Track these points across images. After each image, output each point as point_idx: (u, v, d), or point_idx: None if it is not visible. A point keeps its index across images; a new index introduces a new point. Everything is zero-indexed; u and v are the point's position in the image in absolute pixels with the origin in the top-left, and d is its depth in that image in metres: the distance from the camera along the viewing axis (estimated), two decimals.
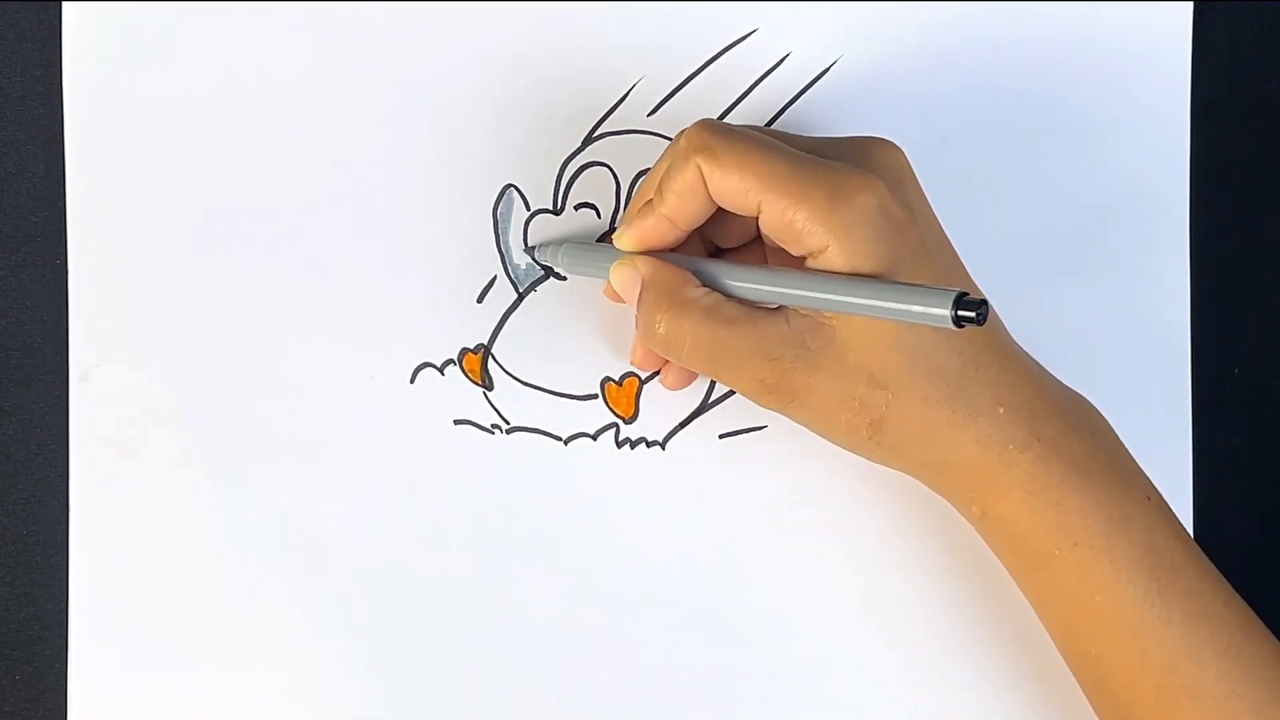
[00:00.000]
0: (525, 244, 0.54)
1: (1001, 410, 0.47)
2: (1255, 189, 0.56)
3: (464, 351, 0.54)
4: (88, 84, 0.54)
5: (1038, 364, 0.50)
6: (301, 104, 0.54)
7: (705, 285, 0.49)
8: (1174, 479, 0.55)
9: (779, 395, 0.48)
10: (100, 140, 0.54)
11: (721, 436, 0.55)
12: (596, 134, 0.54)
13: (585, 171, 0.54)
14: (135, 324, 0.54)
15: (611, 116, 0.54)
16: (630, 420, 0.54)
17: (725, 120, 0.54)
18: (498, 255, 0.54)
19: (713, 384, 0.55)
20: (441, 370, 0.54)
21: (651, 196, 0.49)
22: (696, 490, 0.54)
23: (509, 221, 0.54)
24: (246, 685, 0.54)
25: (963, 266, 0.49)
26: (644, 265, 0.49)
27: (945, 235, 0.49)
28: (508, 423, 0.54)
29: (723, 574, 0.54)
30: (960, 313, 0.42)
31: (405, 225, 0.54)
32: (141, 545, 0.54)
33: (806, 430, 0.50)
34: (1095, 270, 0.55)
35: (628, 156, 0.54)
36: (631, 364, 0.53)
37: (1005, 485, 0.48)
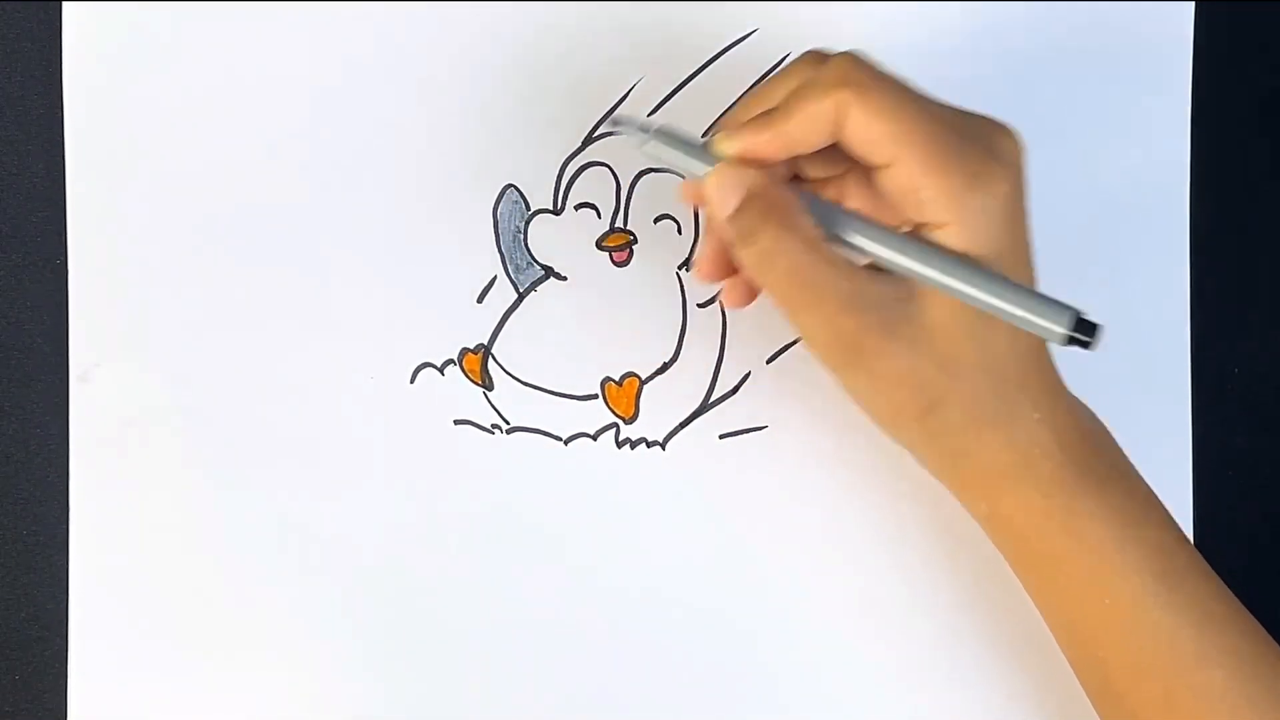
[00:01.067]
0: (524, 243, 0.54)
1: (1036, 417, 0.47)
2: (1255, 189, 0.56)
3: (464, 351, 0.54)
4: (88, 84, 0.54)
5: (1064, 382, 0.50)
6: (301, 104, 0.54)
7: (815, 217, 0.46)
8: (1174, 479, 0.55)
9: (847, 352, 0.46)
10: (100, 140, 0.54)
11: (721, 437, 0.55)
12: (596, 134, 0.54)
13: (585, 171, 0.54)
14: (135, 324, 0.54)
15: (611, 116, 0.54)
16: (630, 420, 0.54)
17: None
18: (498, 255, 0.54)
19: (712, 384, 0.55)
20: (441, 370, 0.54)
21: (767, 108, 0.46)
22: (696, 490, 0.54)
23: (509, 221, 0.54)
24: (246, 685, 0.54)
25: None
26: (756, 176, 0.46)
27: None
28: (508, 423, 0.54)
29: (722, 574, 0.54)
30: (1074, 333, 0.43)
31: (405, 225, 0.54)
32: (141, 545, 0.54)
33: (810, 438, 0.49)
34: (1095, 270, 0.55)
35: (628, 156, 0.54)
36: (692, 271, 0.50)
37: (1021, 486, 0.48)
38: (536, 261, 0.54)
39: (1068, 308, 0.43)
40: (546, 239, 0.54)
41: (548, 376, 0.54)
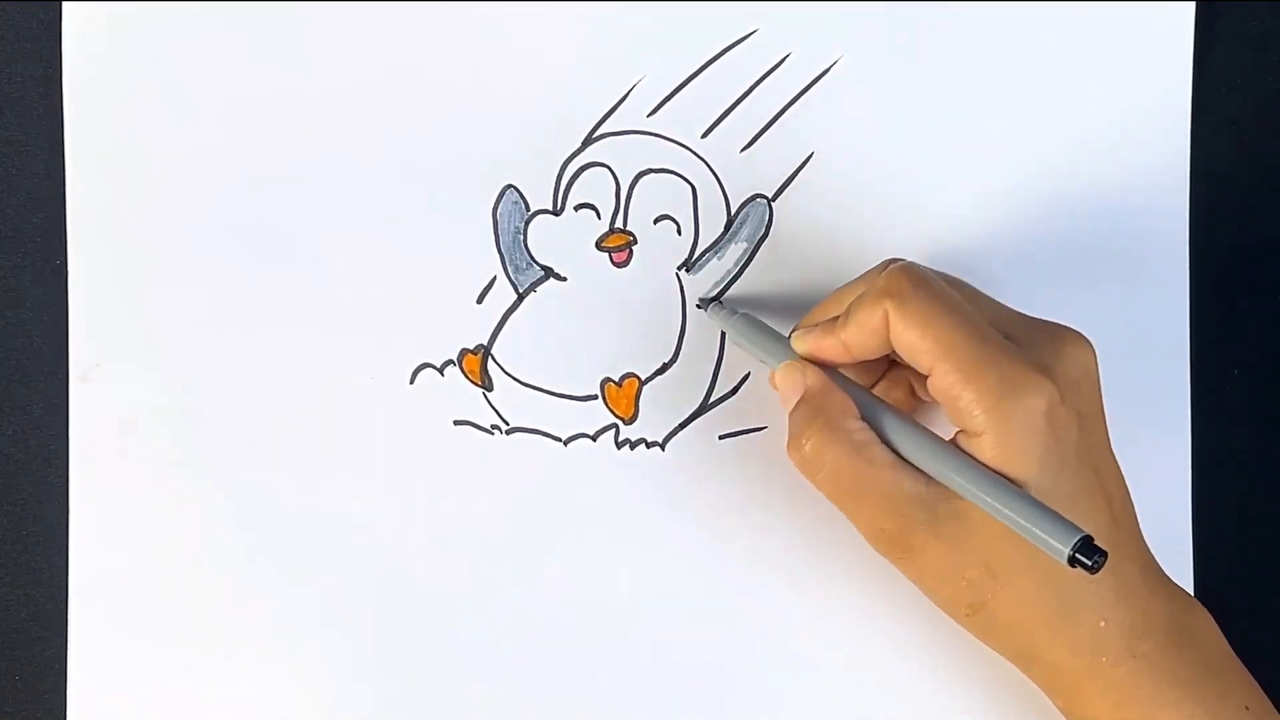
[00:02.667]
0: (524, 244, 0.54)
1: (1103, 624, 0.47)
2: (1255, 189, 0.56)
3: (464, 352, 0.54)
4: (88, 84, 0.54)
5: (1155, 570, 0.49)
6: (301, 104, 0.54)
7: (864, 418, 0.48)
8: (1174, 479, 0.55)
9: (894, 546, 0.48)
10: (100, 140, 0.54)
11: (721, 437, 0.55)
12: (596, 134, 0.54)
13: (585, 172, 0.54)
14: (135, 324, 0.54)
15: (611, 116, 0.54)
16: (630, 421, 0.54)
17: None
18: (498, 255, 0.54)
19: (712, 385, 0.55)
20: (441, 371, 0.54)
21: (837, 311, 0.49)
22: (696, 490, 0.54)
23: (509, 222, 0.54)
24: (246, 685, 0.54)
25: (1114, 477, 0.48)
26: (813, 378, 0.49)
27: (1107, 441, 0.48)
28: (507, 423, 0.54)
29: (722, 574, 0.54)
30: (1077, 555, 0.43)
31: (405, 225, 0.54)
32: (141, 545, 0.54)
33: None
34: (1095, 270, 0.55)
35: (628, 157, 0.54)
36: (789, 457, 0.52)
37: (1093, 692, 0.47)
38: (536, 262, 0.54)
39: (1074, 531, 0.44)
40: (546, 239, 0.54)
41: (547, 377, 0.54)
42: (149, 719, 0.54)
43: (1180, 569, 0.55)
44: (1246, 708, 0.47)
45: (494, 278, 0.54)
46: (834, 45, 0.55)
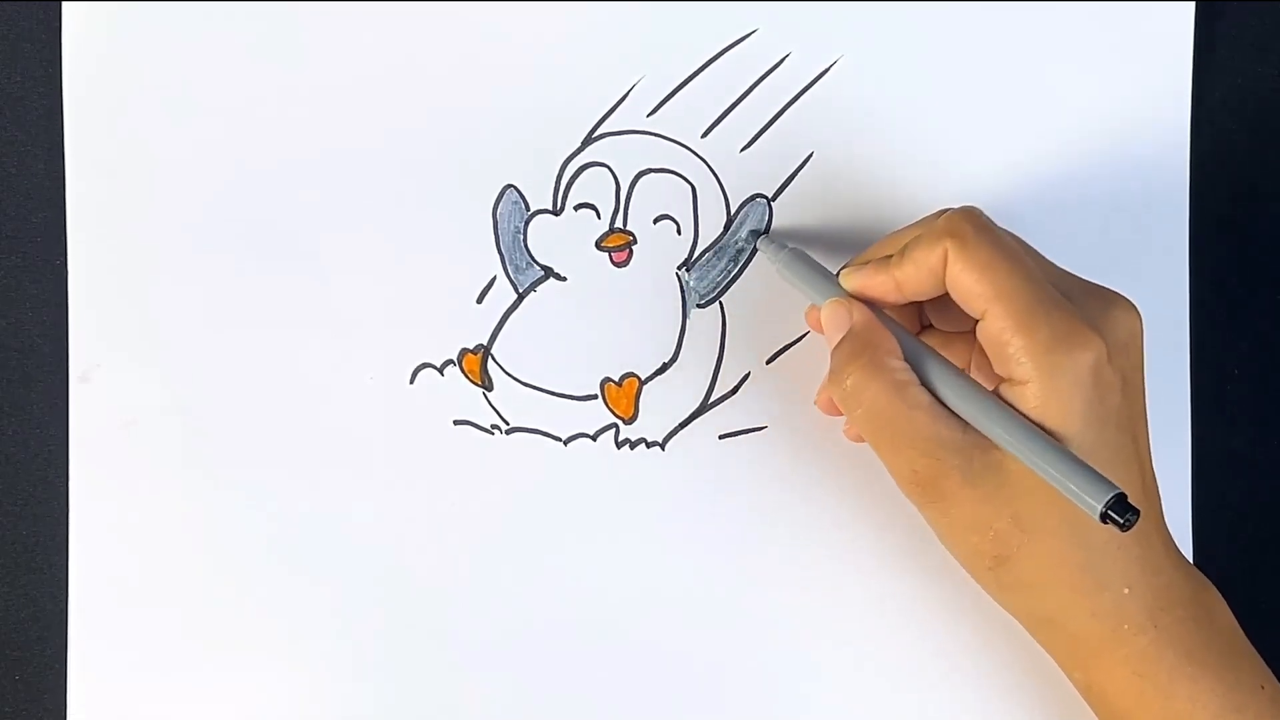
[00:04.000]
0: (524, 244, 0.54)
1: (1127, 590, 0.47)
2: (1255, 189, 0.56)
3: (463, 352, 0.54)
4: (88, 84, 0.54)
5: (1174, 546, 0.49)
6: (301, 104, 0.54)
7: (907, 360, 0.48)
8: (1174, 479, 0.55)
9: (925, 490, 0.48)
10: (100, 140, 0.54)
11: (721, 437, 0.55)
12: (596, 134, 0.54)
13: (585, 172, 0.54)
14: (135, 324, 0.54)
15: (611, 116, 0.54)
16: (630, 421, 0.54)
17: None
18: (498, 255, 0.54)
19: (712, 384, 0.55)
20: (441, 371, 0.54)
21: (891, 252, 0.49)
22: (696, 490, 0.54)
23: (509, 222, 0.54)
24: (246, 685, 0.54)
25: (1147, 450, 0.48)
26: (858, 313, 0.49)
27: (1144, 413, 0.48)
28: (507, 423, 0.54)
29: (722, 574, 0.54)
30: (1110, 512, 0.43)
31: (405, 225, 0.54)
32: (141, 545, 0.54)
33: (810, 437, 0.49)
34: (1095, 270, 0.55)
35: (628, 156, 0.54)
36: (815, 404, 0.53)
37: (1113, 661, 0.47)
38: (536, 262, 0.54)
39: (1109, 487, 0.43)
40: (546, 239, 0.54)
41: (547, 377, 0.54)
42: (149, 719, 0.54)
43: None
44: (1262, 688, 0.47)
45: (494, 277, 0.54)
46: (834, 45, 0.55)
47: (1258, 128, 0.56)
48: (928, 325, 0.52)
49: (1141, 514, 0.45)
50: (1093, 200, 0.55)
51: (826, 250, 0.54)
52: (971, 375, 0.50)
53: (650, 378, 0.54)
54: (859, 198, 0.55)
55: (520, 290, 0.54)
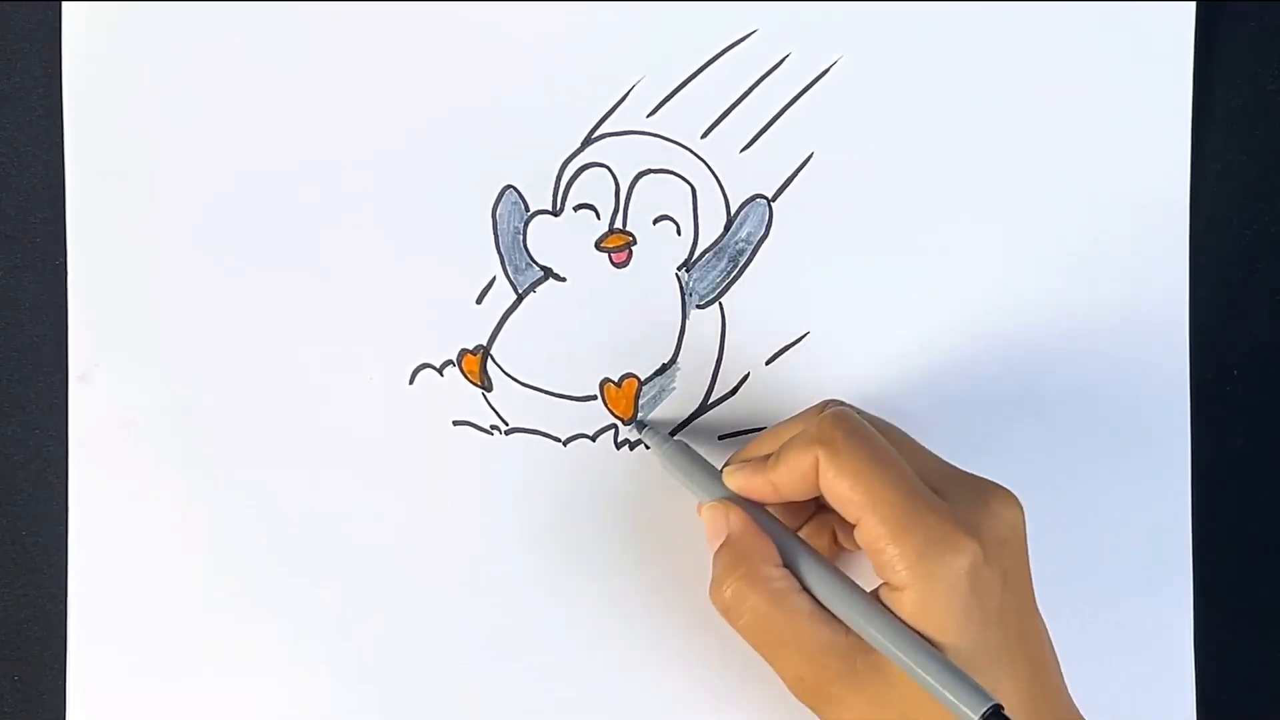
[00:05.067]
0: (524, 244, 0.54)
1: None
2: (1255, 189, 0.56)
3: (463, 352, 0.54)
4: (88, 84, 0.54)
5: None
6: (301, 104, 0.54)
7: (785, 564, 0.48)
8: (1174, 479, 0.55)
9: (813, 695, 0.48)
10: (100, 140, 0.54)
11: (721, 437, 0.55)
12: (596, 134, 0.54)
13: (585, 172, 0.54)
14: (135, 324, 0.54)
15: (611, 116, 0.54)
16: (629, 421, 0.54)
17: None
18: (497, 256, 0.54)
19: (712, 384, 0.55)
20: (440, 371, 0.54)
21: (771, 450, 0.49)
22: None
23: (508, 222, 0.54)
24: (246, 685, 0.54)
25: (1038, 639, 0.48)
26: (735, 520, 0.49)
27: (1032, 602, 0.48)
28: (507, 424, 0.54)
29: None
30: None
31: (405, 225, 0.54)
32: (141, 545, 0.54)
33: None
34: (1095, 270, 0.55)
35: (627, 157, 0.54)
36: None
37: None
38: (536, 262, 0.54)
39: (984, 698, 0.43)
40: (546, 240, 0.54)
41: (546, 377, 0.54)
42: (148, 719, 0.54)
43: (1180, 569, 0.55)
44: None
45: (493, 278, 0.54)
46: (834, 45, 0.55)
47: (1258, 128, 0.56)
48: (825, 505, 0.51)
49: (1029, 713, 0.44)
50: (1093, 200, 0.55)
51: (826, 251, 0.54)
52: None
53: (650, 378, 0.54)
54: (859, 198, 0.55)
55: (520, 291, 0.54)
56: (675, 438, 0.53)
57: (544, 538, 0.54)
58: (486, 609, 0.54)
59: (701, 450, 0.54)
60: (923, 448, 0.50)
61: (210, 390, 0.54)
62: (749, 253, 0.54)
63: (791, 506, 0.51)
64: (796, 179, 0.54)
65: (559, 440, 0.54)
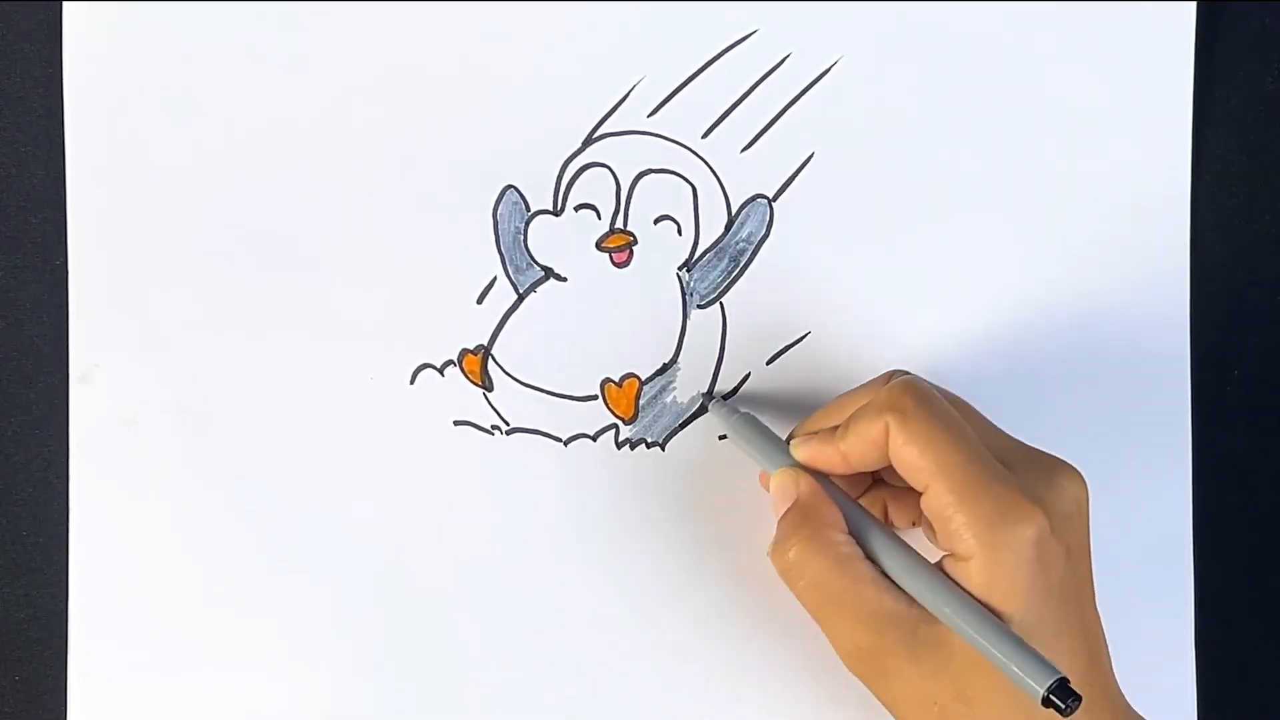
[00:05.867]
0: (524, 244, 0.54)
1: None
2: (1255, 189, 0.56)
3: (464, 352, 0.54)
4: (88, 84, 0.54)
5: (1127, 710, 0.48)
6: (301, 104, 0.54)
7: (851, 532, 0.48)
8: (1174, 479, 0.55)
9: (867, 666, 0.48)
10: (100, 140, 0.54)
11: (721, 437, 0.55)
12: (596, 134, 0.54)
13: (585, 172, 0.54)
14: (135, 324, 0.54)
15: (611, 116, 0.54)
16: (630, 421, 0.54)
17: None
18: (498, 255, 0.54)
19: (712, 384, 0.55)
20: (441, 371, 0.54)
21: (838, 421, 0.49)
22: (696, 490, 0.54)
23: (509, 222, 0.54)
24: (246, 685, 0.54)
25: (1092, 614, 0.48)
26: (805, 486, 0.49)
27: (1090, 578, 0.48)
28: (507, 424, 0.54)
29: (723, 574, 0.54)
30: (1051, 696, 0.43)
31: (405, 225, 0.54)
32: (141, 545, 0.54)
33: None
34: (1095, 270, 0.55)
35: (628, 157, 0.54)
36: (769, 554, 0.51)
37: None
38: (536, 262, 0.54)
39: (1050, 670, 0.43)
40: (546, 240, 0.54)
41: (547, 377, 0.54)
42: (149, 719, 0.54)
43: (1180, 569, 0.55)
44: None
45: (494, 278, 0.54)
46: (834, 45, 0.55)
47: (1258, 128, 0.56)
48: (880, 480, 0.52)
49: (1088, 688, 0.44)
50: (1093, 200, 0.55)
51: (826, 251, 0.54)
52: (924, 532, 0.50)
53: (650, 378, 0.54)
54: (860, 198, 0.55)
55: (520, 291, 0.54)
56: (742, 411, 0.53)
57: (544, 538, 0.54)
58: (486, 608, 0.54)
59: (701, 450, 0.54)
60: (988, 421, 0.50)
61: (210, 390, 0.54)
62: (750, 253, 0.54)
63: (847, 482, 0.51)
64: (797, 179, 0.54)
65: (560, 440, 0.54)
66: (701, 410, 0.54)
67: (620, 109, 0.54)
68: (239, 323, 0.54)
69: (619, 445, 0.54)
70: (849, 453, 0.48)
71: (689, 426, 0.55)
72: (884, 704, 0.48)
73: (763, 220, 0.54)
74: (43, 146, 0.54)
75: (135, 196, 0.54)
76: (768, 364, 0.54)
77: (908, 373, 0.51)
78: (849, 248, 0.54)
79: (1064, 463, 0.48)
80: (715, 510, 0.55)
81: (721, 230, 0.54)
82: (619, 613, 0.54)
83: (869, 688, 0.48)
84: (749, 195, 0.54)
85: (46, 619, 0.54)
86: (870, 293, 0.55)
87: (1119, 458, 0.54)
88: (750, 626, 0.54)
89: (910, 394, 0.47)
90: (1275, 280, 0.56)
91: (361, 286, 0.54)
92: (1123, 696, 0.48)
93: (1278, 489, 0.56)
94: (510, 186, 0.54)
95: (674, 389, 0.54)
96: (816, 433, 0.50)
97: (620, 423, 0.54)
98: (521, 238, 0.54)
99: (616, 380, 0.54)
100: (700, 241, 0.54)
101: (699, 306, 0.54)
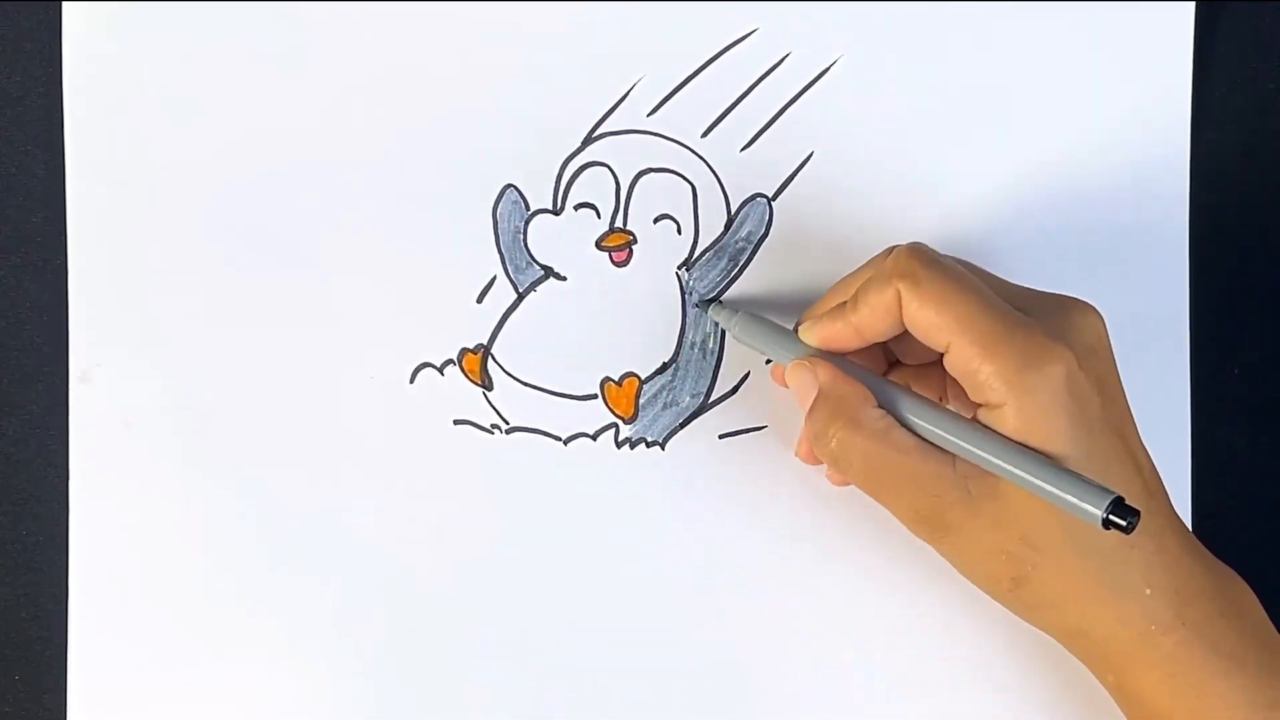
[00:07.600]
0: (524, 243, 0.54)
1: (1149, 591, 0.46)
2: (1255, 189, 0.56)
3: (464, 351, 0.54)
4: (88, 84, 0.54)
5: (1192, 539, 0.49)
6: (301, 104, 0.54)
7: (881, 405, 0.48)
8: (1174, 479, 0.55)
9: (932, 527, 0.48)
10: (100, 140, 0.54)
11: (721, 436, 0.55)
12: (596, 134, 0.54)
13: (585, 171, 0.54)
14: (135, 324, 0.54)
15: (611, 116, 0.54)
16: (630, 420, 0.54)
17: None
18: (497, 255, 0.54)
19: (712, 384, 0.55)
20: (441, 370, 0.54)
21: (844, 299, 0.49)
22: (696, 490, 0.54)
23: (509, 221, 0.54)
24: (246, 685, 0.54)
25: (1140, 446, 0.48)
26: (824, 373, 0.49)
27: (1128, 411, 0.48)
28: (507, 423, 0.54)
29: (722, 574, 0.54)
30: (1110, 516, 0.43)
31: (405, 225, 0.54)
32: (141, 545, 0.54)
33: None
34: (1095, 270, 0.55)
35: (628, 156, 0.54)
36: (796, 455, 0.52)
37: (1145, 664, 0.47)
38: (536, 261, 0.54)
39: (1105, 492, 0.43)
40: (546, 239, 0.54)
41: (547, 376, 0.54)
42: (149, 719, 0.54)
43: None
44: None
45: (494, 277, 0.54)
46: (834, 45, 0.55)
47: (1258, 127, 0.56)
48: (895, 362, 0.52)
49: (1147, 512, 0.44)
50: (1093, 200, 0.55)
51: (826, 251, 0.54)
52: (950, 405, 0.50)
53: (650, 377, 0.54)
54: (859, 197, 0.55)
55: (520, 290, 0.54)
56: (742, 310, 0.53)
57: (544, 537, 0.54)
58: (486, 607, 0.54)
59: (702, 450, 0.54)
60: (993, 274, 0.50)
61: (210, 390, 0.54)
62: (749, 252, 0.54)
63: (870, 355, 0.51)
64: (797, 178, 0.54)
65: (560, 439, 0.54)
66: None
67: (620, 108, 0.54)
68: (239, 322, 0.54)
69: (619, 444, 0.54)
70: (861, 325, 0.48)
71: (689, 426, 0.55)
72: (952, 561, 0.49)
73: (762, 219, 0.54)
74: (43, 146, 0.54)
75: (135, 196, 0.54)
76: (767, 363, 0.54)
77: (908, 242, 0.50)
78: (849, 247, 0.54)
79: (1078, 300, 0.49)
80: (715, 510, 0.55)
81: (721, 229, 0.54)
82: (619, 612, 0.54)
83: (938, 550, 0.49)
84: (748, 194, 0.54)
85: (47, 618, 0.54)
86: None
87: None
88: (750, 626, 0.54)
89: (916, 257, 0.47)
90: (1275, 279, 0.56)
91: (361, 286, 0.54)
92: (1183, 523, 0.48)
93: (1276, 485, 0.56)
94: (510, 185, 0.54)
95: (674, 388, 0.54)
96: (824, 313, 0.50)
97: (620, 422, 0.54)
98: (521, 237, 0.54)
99: (616, 379, 0.54)
100: (700, 240, 0.54)
101: (698, 306, 0.54)
